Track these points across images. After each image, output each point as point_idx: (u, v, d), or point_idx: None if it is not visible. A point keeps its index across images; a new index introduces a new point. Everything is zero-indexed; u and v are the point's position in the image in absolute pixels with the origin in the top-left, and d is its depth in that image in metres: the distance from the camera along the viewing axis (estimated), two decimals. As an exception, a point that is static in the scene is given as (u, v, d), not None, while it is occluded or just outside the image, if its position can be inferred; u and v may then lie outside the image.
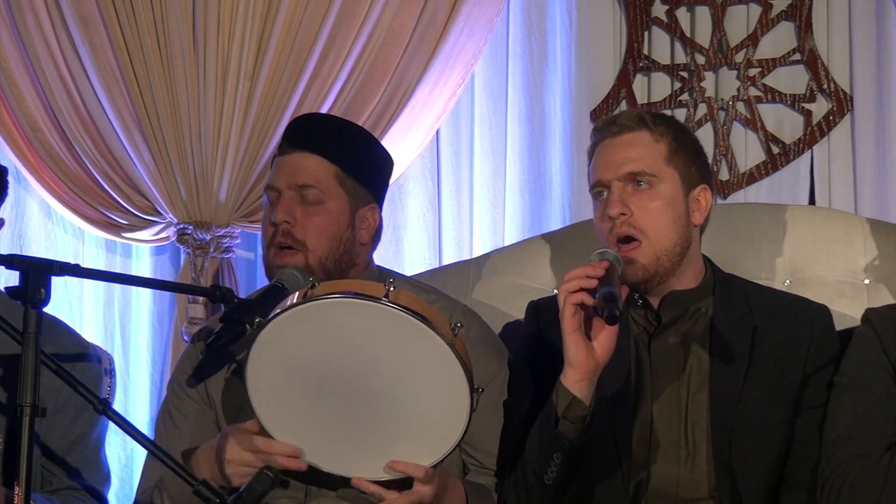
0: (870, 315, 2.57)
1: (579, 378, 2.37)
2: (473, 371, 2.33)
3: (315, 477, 2.43)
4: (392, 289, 2.21)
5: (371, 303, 2.20)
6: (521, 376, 2.67)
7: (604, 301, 2.29)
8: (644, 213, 2.51)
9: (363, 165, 2.73)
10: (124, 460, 3.69)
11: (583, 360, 2.36)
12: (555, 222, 3.64)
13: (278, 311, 2.28)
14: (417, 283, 2.85)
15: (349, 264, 2.69)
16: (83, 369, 2.74)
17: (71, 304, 3.74)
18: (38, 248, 3.76)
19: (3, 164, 2.88)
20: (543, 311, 2.69)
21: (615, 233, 2.51)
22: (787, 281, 3.01)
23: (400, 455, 2.31)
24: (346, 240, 2.67)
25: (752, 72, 3.62)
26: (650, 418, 2.53)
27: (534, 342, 2.67)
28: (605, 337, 2.38)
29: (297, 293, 2.31)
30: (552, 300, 2.55)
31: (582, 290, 2.34)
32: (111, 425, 2.69)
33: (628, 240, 2.51)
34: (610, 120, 2.64)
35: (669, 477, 2.51)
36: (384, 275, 2.78)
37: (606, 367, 2.40)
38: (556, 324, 2.40)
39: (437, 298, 2.76)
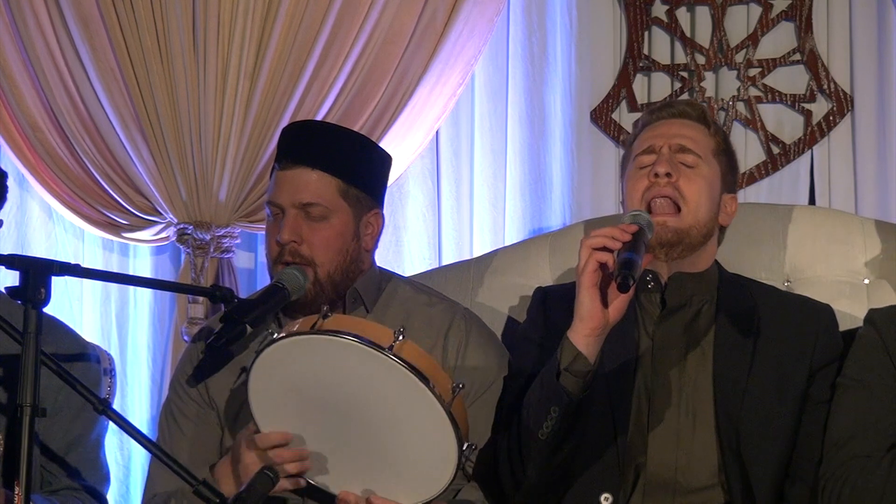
0: (873, 316, 2.57)
1: (588, 333, 2.38)
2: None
3: (305, 490, 2.46)
4: (400, 339, 2.22)
5: (374, 351, 2.21)
6: (520, 354, 2.68)
7: (620, 266, 2.30)
8: (688, 182, 2.59)
9: (364, 173, 2.72)
10: (122, 461, 3.69)
11: (595, 315, 2.37)
12: (555, 222, 3.63)
13: (285, 334, 2.29)
14: (418, 285, 2.85)
15: (356, 272, 2.69)
16: (82, 369, 2.74)
17: (71, 304, 3.74)
18: (38, 249, 3.75)
19: (4, 165, 2.88)
20: (551, 296, 2.72)
21: (657, 191, 2.56)
22: (787, 281, 3.01)
23: (383, 489, 2.32)
24: (352, 251, 2.67)
25: (753, 72, 3.61)
26: (648, 404, 2.55)
27: (539, 323, 2.69)
28: (618, 298, 2.39)
29: (306, 320, 2.31)
30: (560, 288, 2.62)
31: (605, 249, 2.36)
32: (111, 425, 2.69)
33: (668, 203, 2.56)
34: (670, 103, 2.78)
35: (667, 463, 2.53)
36: (385, 276, 2.79)
37: (609, 350, 2.43)
38: (563, 309, 2.43)
39: (437, 301, 2.76)
